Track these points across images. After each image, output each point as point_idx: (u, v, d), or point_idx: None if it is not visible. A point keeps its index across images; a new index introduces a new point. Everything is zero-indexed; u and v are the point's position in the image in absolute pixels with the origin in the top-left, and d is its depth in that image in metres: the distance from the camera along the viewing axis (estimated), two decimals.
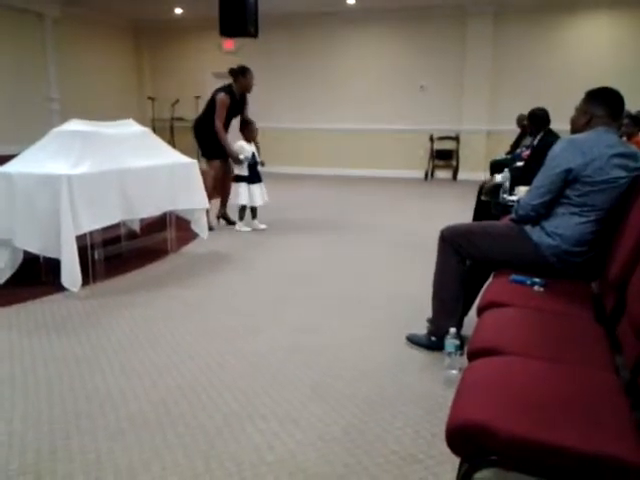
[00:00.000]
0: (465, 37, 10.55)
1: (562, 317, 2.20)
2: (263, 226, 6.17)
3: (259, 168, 6.17)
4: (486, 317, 2.22)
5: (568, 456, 1.34)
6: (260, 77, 11.59)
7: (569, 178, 2.54)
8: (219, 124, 5.94)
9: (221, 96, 5.95)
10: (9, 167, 3.98)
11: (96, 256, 4.20)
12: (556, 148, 2.63)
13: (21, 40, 9.77)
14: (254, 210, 6.19)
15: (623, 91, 2.68)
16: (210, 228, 5.53)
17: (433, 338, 2.95)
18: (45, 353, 2.96)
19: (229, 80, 6.15)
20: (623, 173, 2.50)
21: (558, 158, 2.58)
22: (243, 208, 6.14)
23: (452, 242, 2.84)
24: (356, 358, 2.92)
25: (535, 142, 5.30)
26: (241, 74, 6.01)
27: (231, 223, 6.31)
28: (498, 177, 4.94)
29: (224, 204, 6.39)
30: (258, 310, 3.66)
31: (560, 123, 5.61)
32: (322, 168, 11.57)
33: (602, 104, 2.63)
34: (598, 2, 9.72)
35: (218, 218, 6.37)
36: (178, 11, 11.10)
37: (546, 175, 2.64)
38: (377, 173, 11.29)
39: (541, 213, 2.68)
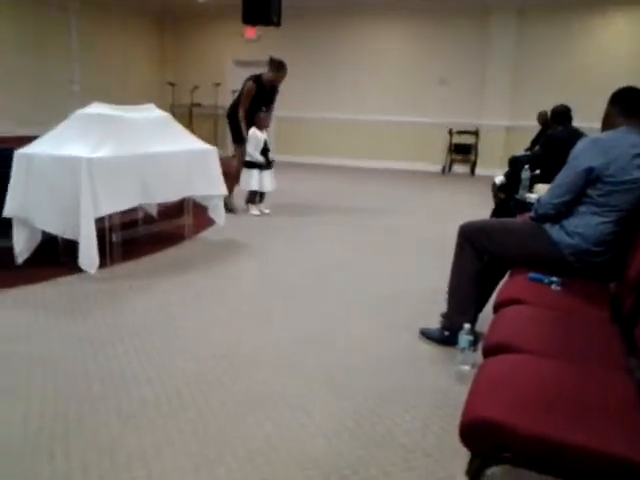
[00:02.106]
0: (488, 32, 10.43)
1: (579, 316, 2.19)
2: (267, 210, 6.40)
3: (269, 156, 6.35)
4: (502, 314, 2.21)
5: (581, 455, 1.33)
6: None
7: (591, 177, 2.51)
8: (242, 111, 6.13)
9: (248, 85, 6.13)
10: (31, 148, 4.01)
11: (114, 239, 4.24)
12: (578, 147, 2.60)
13: (45, 24, 9.83)
14: (262, 195, 6.43)
15: None
16: (233, 210, 5.97)
17: (446, 333, 2.94)
18: (62, 334, 3.00)
19: (253, 68, 6.22)
20: None
21: (580, 157, 2.56)
22: (254, 193, 6.37)
23: (471, 237, 2.83)
24: (369, 351, 2.92)
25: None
26: (276, 68, 6.15)
27: (229, 210, 6.14)
28: (496, 179, 5.00)
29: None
30: (272, 299, 3.67)
31: (582, 121, 5.55)
32: (339, 159, 11.56)
33: (622, 104, 2.62)
34: (624, 1, 9.54)
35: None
36: None
37: (567, 174, 2.61)
38: (395, 165, 11.25)
39: (561, 212, 2.66)
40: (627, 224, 2.53)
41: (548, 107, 5.79)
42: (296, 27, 10.99)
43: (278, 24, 8.05)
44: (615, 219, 2.53)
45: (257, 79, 6.16)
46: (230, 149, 6.77)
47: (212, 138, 11.43)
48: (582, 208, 2.59)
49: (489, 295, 2.92)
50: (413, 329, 3.13)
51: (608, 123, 2.68)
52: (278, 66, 6.16)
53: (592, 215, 2.56)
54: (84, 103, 4.47)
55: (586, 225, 2.57)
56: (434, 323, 3.07)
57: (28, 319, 3.18)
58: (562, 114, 5.17)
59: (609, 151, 2.48)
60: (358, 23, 11.27)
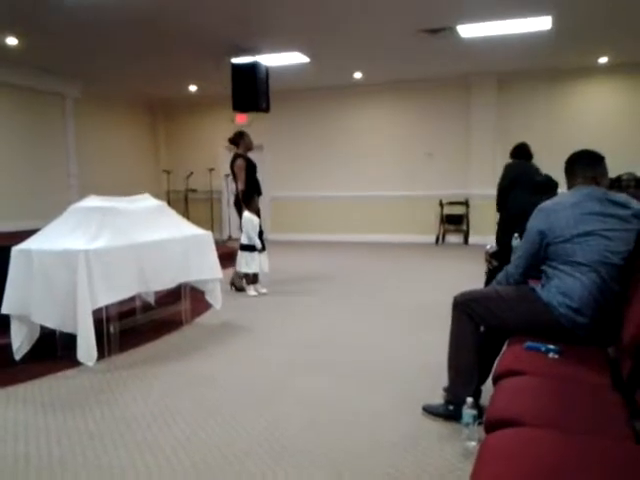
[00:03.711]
0: (469, 105, 10.84)
1: (579, 385, 2.18)
2: (264, 290, 6.48)
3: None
4: (502, 386, 2.20)
5: None
6: (272, 149, 12.03)
7: (545, 241, 2.72)
8: (242, 186, 6.38)
9: (238, 162, 6.42)
10: (29, 244, 4.07)
11: (111, 330, 4.24)
12: (530, 217, 2.86)
13: (42, 118, 10.15)
14: (256, 275, 6.51)
15: (623, 155, 2.84)
16: (243, 289, 6.41)
17: (450, 407, 2.91)
18: (59, 429, 2.95)
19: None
20: (610, 224, 2.61)
21: (530, 225, 2.82)
22: (254, 275, 6.45)
23: (465, 308, 2.85)
24: (372, 430, 2.88)
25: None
26: (240, 138, 6.55)
27: (240, 290, 6.56)
28: (488, 246, 5.13)
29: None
30: (270, 383, 3.63)
31: (565, 186, 5.70)
32: (334, 235, 11.72)
33: (566, 171, 2.91)
34: (597, 69, 10.01)
35: (232, 285, 6.60)
36: (193, 88, 11.57)
37: (524, 242, 2.87)
38: (389, 238, 11.39)
39: (530, 275, 2.85)
40: (605, 283, 2.59)
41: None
42: (285, 110, 11.45)
43: (267, 110, 8.41)
44: (589, 277, 2.59)
45: (240, 155, 6.48)
46: (226, 233, 6.92)
47: (208, 222, 11.65)
48: (558, 269, 2.69)
49: (490, 366, 2.90)
50: (416, 405, 3.09)
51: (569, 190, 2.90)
52: (240, 136, 6.55)
53: (567, 275, 2.65)
54: (81, 195, 4.59)
55: (565, 285, 2.64)
56: (438, 397, 3.04)
57: (26, 416, 3.14)
58: (545, 185, 5.37)
59: (551, 214, 2.73)
60: (345, 103, 11.71)
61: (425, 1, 6.27)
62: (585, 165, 2.82)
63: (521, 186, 5.88)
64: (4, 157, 9.42)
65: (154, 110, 13.15)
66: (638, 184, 5.57)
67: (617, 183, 6.76)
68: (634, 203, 2.72)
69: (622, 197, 2.79)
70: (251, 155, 6.65)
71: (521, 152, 6.33)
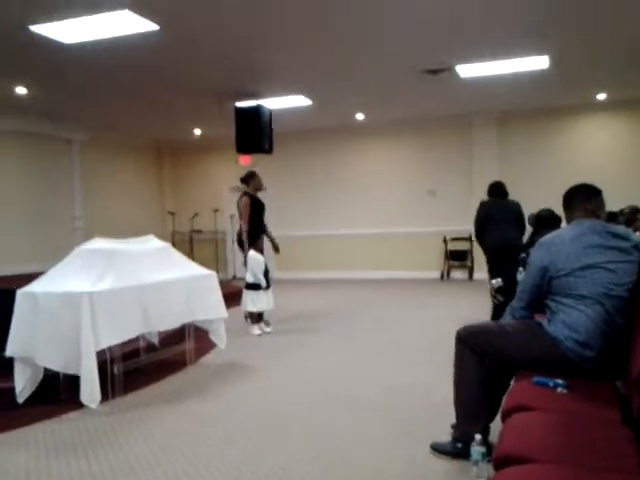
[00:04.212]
0: (471, 142, 10.96)
1: (588, 420, 2.14)
2: (269, 329, 6.47)
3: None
4: (511, 423, 2.16)
5: None
6: (276, 189, 12.13)
7: (548, 275, 2.71)
8: (244, 225, 6.44)
9: (244, 200, 6.51)
10: (34, 286, 4.08)
11: (115, 371, 4.20)
12: (532, 252, 2.88)
13: (48, 163, 10.29)
14: (261, 315, 6.52)
15: (625, 187, 2.87)
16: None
17: (459, 445, 2.85)
18: (62, 473, 2.90)
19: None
20: (611, 256, 2.62)
21: (533, 260, 2.83)
22: (259, 314, 6.46)
23: (469, 342, 2.83)
24: (380, 470, 2.82)
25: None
26: (251, 177, 6.66)
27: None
28: (493, 282, 5.11)
29: None
30: (277, 422, 3.58)
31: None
32: (340, 272, 11.71)
33: (567, 202, 2.93)
34: (595, 106, 10.15)
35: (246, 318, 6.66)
36: (197, 132, 11.76)
37: (527, 277, 2.87)
38: (394, 275, 11.36)
39: (535, 311, 2.83)
40: (610, 316, 2.57)
41: (534, 209, 6.00)
42: (289, 151, 11.59)
43: (270, 151, 8.52)
44: (594, 309, 2.58)
45: (247, 194, 6.58)
46: (230, 272, 6.97)
47: (213, 262, 11.67)
48: (562, 303, 2.68)
49: (499, 402, 2.86)
50: (424, 443, 3.04)
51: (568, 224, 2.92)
52: (251, 176, 6.67)
53: (571, 308, 2.63)
54: (86, 238, 4.62)
55: (570, 318, 2.62)
56: (445, 435, 2.98)
57: (28, 460, 3.09)
58: (546, 219, 5.37)
59: (552, 248, 2.73)
60: (348, 143, 11.86)
61: (424, 43, 6.42)
62: (584, 199, 2.85)
63: (493, 222, 6.57)
64: (11, 200, 9.53)
65: (159, 152, 13.34)
66: None
67: (631, 216, 6.78)
68: (633, 235, 2.75)
69: (621, 229, 2.82)
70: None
71: (496, 190, 6.87)
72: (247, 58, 6.69)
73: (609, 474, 1.70)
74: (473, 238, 10.75)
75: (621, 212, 7.46)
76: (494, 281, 5.18)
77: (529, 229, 8.55)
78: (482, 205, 6.89)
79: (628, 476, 1.68)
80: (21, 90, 7.81)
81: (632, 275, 2.62)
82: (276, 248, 6.82)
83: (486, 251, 6.97)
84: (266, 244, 6.81)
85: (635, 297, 2.59)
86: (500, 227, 6.69)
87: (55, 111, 9.39)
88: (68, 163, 10.72)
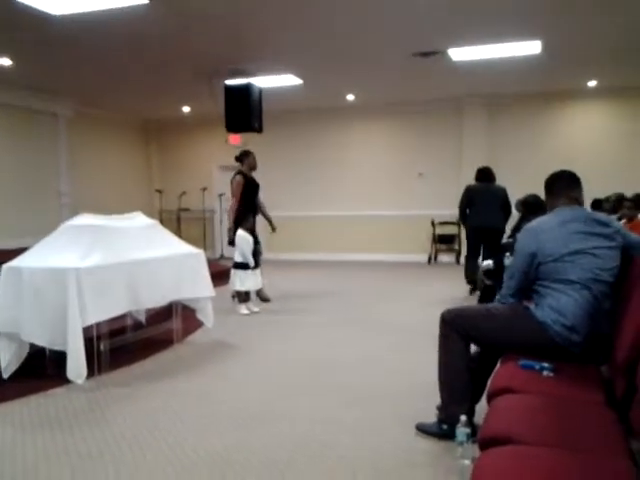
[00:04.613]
0: (461, 126, 10.94)
1: (573, 403, 2.17)
2: (257, 309, 6.46)
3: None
4: (496, 404, 2.19)
5: None
6: (265, 169, 11.98)
7: (536, 261, 2.72)
8: (234, 203, 6.48)
9: (237, 178, 6.55)
10: (19, 261, 4.05)
11: (102, 348, 4.20)
12: (518, 238, 2.90)
13: (34, 137, 10.13)
14: (248, 294, 6.53)
15: (615, 175, 2.88)
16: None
17: (444, 426, 2.88)
18: (48, 449, 2.90)
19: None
20: (596, 242, 2.65)
21: (519, 246, 2.85)
22: (246, 293, 6.44)
23: (454, 325, 2.84)
24: (367, 451, 2.84)
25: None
26: (245, 156, 6.71)
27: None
28: (484, 263, 5.14)
29: None
30: (263, 401, 3.60)
31: None
32: (327, 254, 11.72)
33: (548, 189, 2.96)
34: (586, 92, 10.16)
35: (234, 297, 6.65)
36: (186, 109, 11.61)
37: (514, 263, 2.88)
38: (382, 257, 11.39)
39: (523, 297, 2.83)
40: (597, 301, 2.62)
41: (522, 194, 6.02)
42: (279, 131, 11.50)
43: (260, 130, 8.45)
44: (581, 294, 2.61)
45: (241, 172, 6.59)
46: (218, 251, 6.98)
47: (201, 241, 11.62)
48: (551, 287, 2.70)
49: (484, 384, 2.88)
50: (409, 425, 3.07)
51: (551, 210, 2.92)
52: (245, 155, 6.71)
53: (560, 293, 2.66)
54: (73, 214, 4.57)
55: (558, 302, 2.65)
56: (431, 416, 3.01)
57: (14, 435, 3.09)
58: (533, 205, 5.38)
59: (539, 235, 2.75)
60: (338, 124, 11.79)
61: (417, 25, 6.36)
62: (566, 186, 2.88)
63: (477, 205, 7.09)
64: None
65: (147, 130, 13.17)
66: (634, 204, 5.70)
67: (617, 203, 6.83)
68: (615, 222, 2.81)
69: (603, 216, 2.88)
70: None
71: (483, 175, 7.30)
72: (237, 34, 6.59)
73: (592, 454, 1.73)
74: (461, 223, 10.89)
75: (607, 199, 7.51)
76: (485, 263, 5.22)
77: (515, 214, 8.62)
78: (468, 189, 7.29)
79: (612, 457, 1.71)
80: (5, 61, 7.65)
81: (616, 260, 2.67)
82: (273, 228, 6.91)
83: (467, 231, 7.31)
84: (259, 225, 6.79)
85: (619, 284, 2.63)
86: (484, 210, 6.98)
87: (41, 84, 9.21)
88: (54, 138, 10.56)
